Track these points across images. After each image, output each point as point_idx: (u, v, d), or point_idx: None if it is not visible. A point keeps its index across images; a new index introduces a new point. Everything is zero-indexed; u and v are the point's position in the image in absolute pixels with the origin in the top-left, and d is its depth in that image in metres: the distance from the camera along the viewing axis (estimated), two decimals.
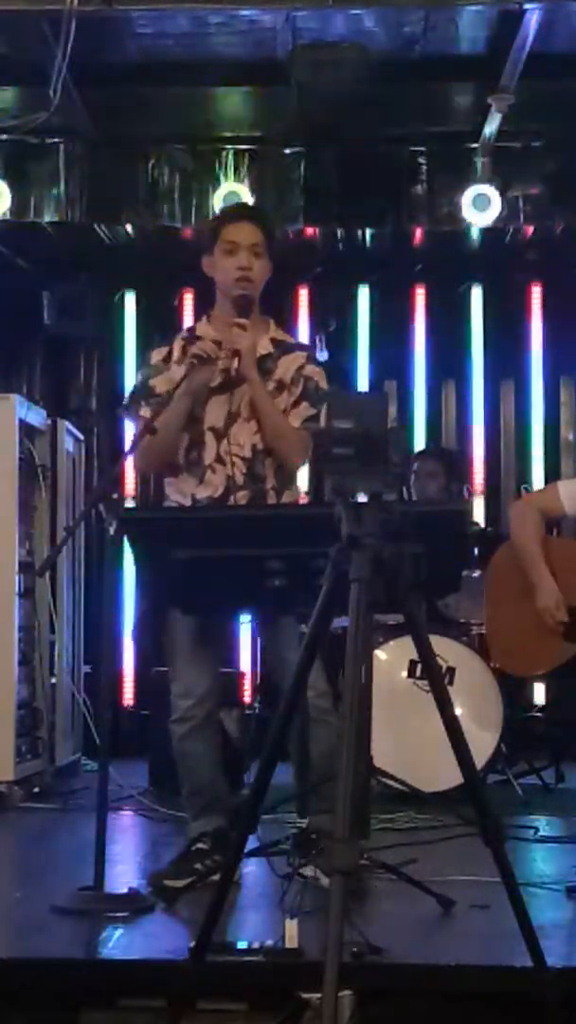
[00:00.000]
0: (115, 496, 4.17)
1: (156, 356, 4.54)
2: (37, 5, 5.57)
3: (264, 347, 4.44)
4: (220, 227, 4.45)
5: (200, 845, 4.30)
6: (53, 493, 6.58)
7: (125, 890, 4.07)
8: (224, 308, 4.45)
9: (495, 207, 7.16)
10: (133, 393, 4.55)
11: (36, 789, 6.18)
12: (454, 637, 6.12)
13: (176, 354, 4.48)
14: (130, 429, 8.17)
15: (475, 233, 7.72)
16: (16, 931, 3.83)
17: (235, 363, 4.31)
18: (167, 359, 4.50)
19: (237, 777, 5.46)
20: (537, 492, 5.72)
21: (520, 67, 6.09)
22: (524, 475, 8.25)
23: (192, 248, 7.77)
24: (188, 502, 4.39)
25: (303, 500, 4.80)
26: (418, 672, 5.88)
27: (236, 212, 4.71)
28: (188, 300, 8.31)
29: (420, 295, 8.39)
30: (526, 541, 5.30)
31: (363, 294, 8.38)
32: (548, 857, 4.89)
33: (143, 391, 4.49)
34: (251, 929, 3.68)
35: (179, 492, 4.44)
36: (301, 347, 4.68)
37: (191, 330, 4.55)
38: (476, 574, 6.07)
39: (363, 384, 8.26)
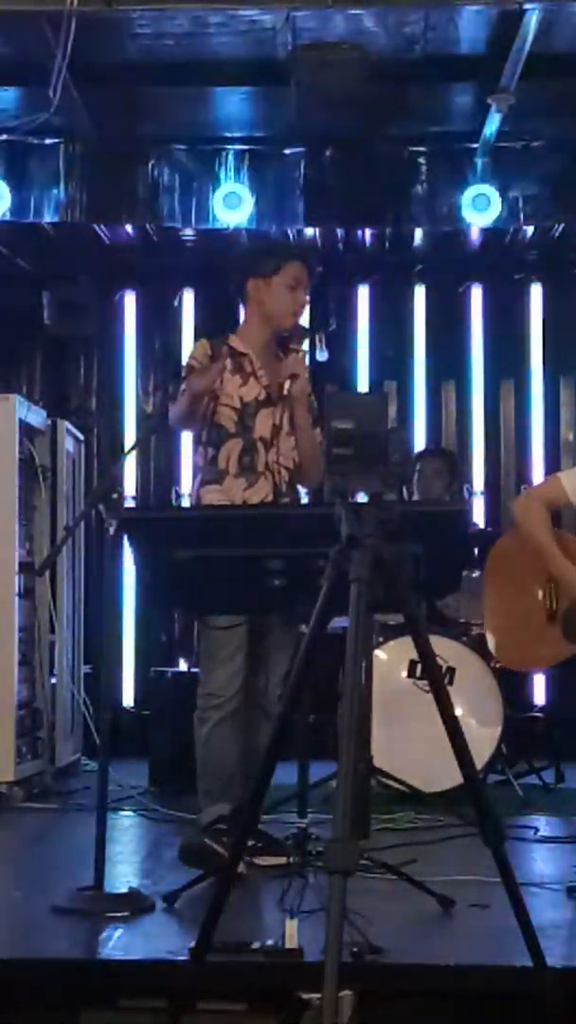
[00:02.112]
0: (115, 496, 4.17)
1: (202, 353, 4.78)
2: (37, 5, 5.57)
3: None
4: (287, 262, 4.75)
5: (220, 826, 4.41)
6: (53, 493, 6.58)
7: (125, 890, 4.07)
8: (259, 331, 4.78)
9: (495, 207, 7.16)
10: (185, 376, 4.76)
11: (36, 789, 6.18)
12: (454, 637, 6.12)
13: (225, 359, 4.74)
14: (131, 424, 8.32)
15: (475, 233, 7.72)
16: (16, 931, 3.83)
17: (288, 384, 4.68)
18: (213, 359, 4.74)
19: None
20: (539, 486, 5.70)
21: (520, 67, 6.08)
22: (524, 475, 8.25)
23: (192, 249, 7.85)
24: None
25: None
26: (418, 672, 5.88)
27: (303, 253, 4.99)
28: (188, 300, 8.32)
29: (420, 295, 8.39)
30: (539, 535, 5.23)
31: (363, 294, 8.39)
32: (548, 857, 4.89)
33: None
34: (251, 929, 3.68)
35: (226, 498, 4.64)
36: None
37: (225, 340, 4.78)
38: (476, 574, 6.07)
39: (363, 384, 8.26)
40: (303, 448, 4.74)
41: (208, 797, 4.59)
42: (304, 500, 4.88)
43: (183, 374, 4.69)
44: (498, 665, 5.91)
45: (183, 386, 4.69)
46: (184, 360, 4.85)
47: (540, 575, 5.39)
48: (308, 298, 4.82)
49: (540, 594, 5.43)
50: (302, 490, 4.88)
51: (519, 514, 5.36)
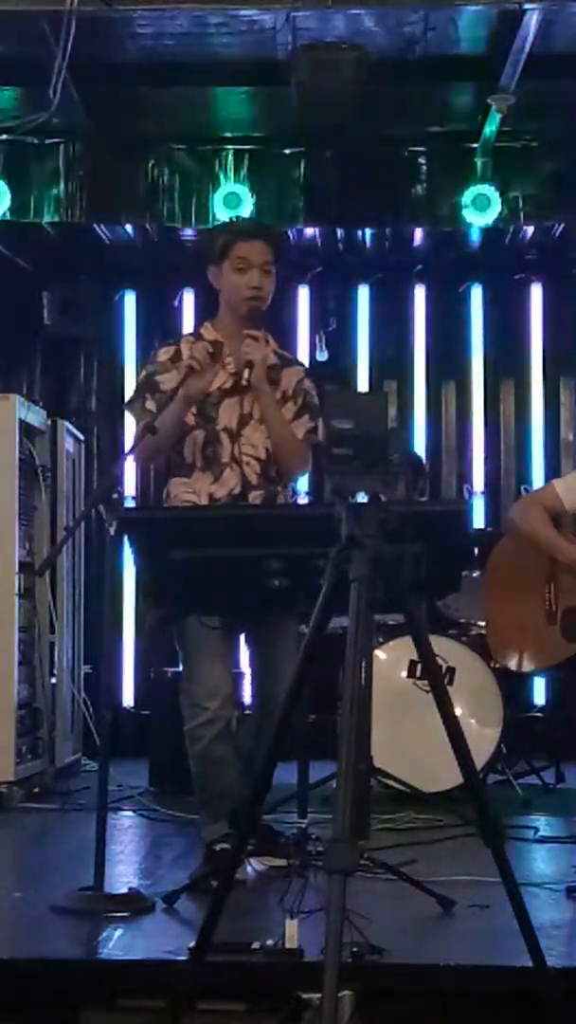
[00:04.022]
0: (115, 496, 4.16)
1: (164, 355, 4.61)
2: (37, 5, 5.57)
3: (271, 358, 4.57)
4: (232, 243, 4.50)
5: (224, 845, 4.25)
6: (53, 493, 6.58)
7: (125, 890, 4.07)
8: (228, 319, 4.58)
9: (495, 207, 7.16)
10: (138, 388, 4.60)
11: (36, 789, 6.18)
12: (454, 637, 6.13)
13: (185, 354, 4.53)
14: (131, 423, 8.29)
15: (475, 233, 7.72)
16: (16, 931, 3.83)
17: (246, 373, 4.44)
18: (175, 359, 4.56)
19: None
20: (535, 493, 5.69)
21: (520, 67, 6.09)
22: (524, 475, 8.25)
23: (192, 249, 7.85)
24: (204, 501, 4.46)
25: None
26: (418, 672, 5.88)
27: (249, 230, 4.67)
28: (188, 300, 8.32)
29: (420, 295, 8.40)
30: (540, 531, 5.22)
31: (363, 294, 8.39)
32: (548, 857, 4.89)
33: (148, 386, 4.55)
34: (251, 929, 3.68)
35: (193, 492, 4.50)
36: (297, 362, 4.79)
37: (196, 334, 4.63)
38: (476, 574, 6.07)
39: (363, 384, 8.26)
40: (273, 437, 4.49)
41: (209, 812, 4.46)
42: (280, 489, 4.60)
43: (177, 380, 4.40)
44: (498, 665, 5.90)
45: (150, 410, 4.44)
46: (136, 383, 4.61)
47: (539, 577, 5.40)
48: (265, 277, 4.48)
49: (539, 596, 5.44)
50: (300, 484, 4.76)
51: (516, 517, 5.37)
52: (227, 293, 4.54)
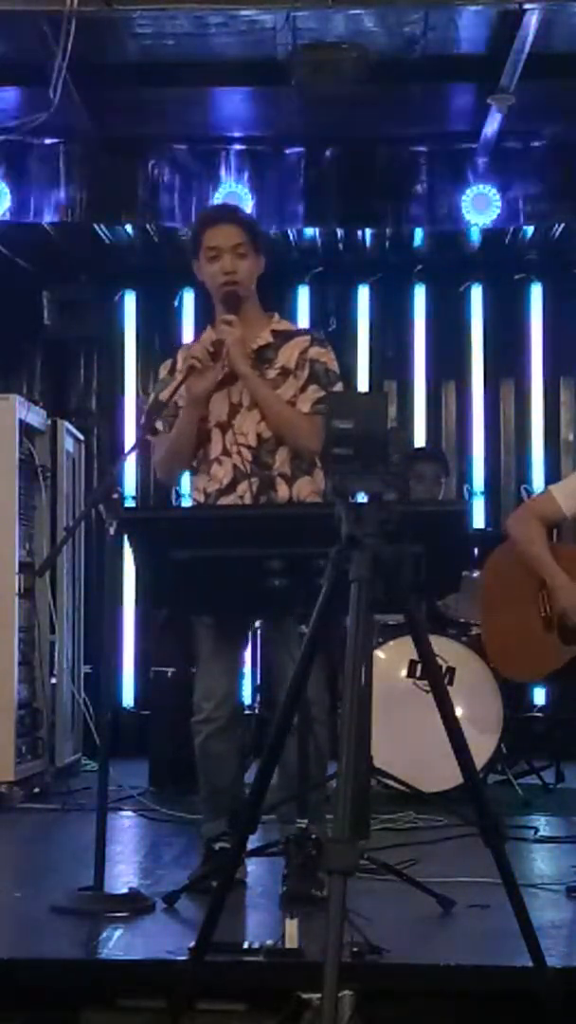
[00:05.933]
0: (115, 496, 4.16)
1: (163, 371, 4.59)
2: (37, 5, 5.57)
3: (263, 338, 4.46)
4: (201, 233, 4.46)
5: (223, 844, 4.23)
6: (53, 493, 6.59)
7: (125, 890, 4.07)
8: (218, 311, 4.49)
9: (495, 207, 7.17)
10: (149, 412, 4.56)
11: (36, 789, 6.18)
12: (454, 637, 6.13)
13: (179, 364, 4.50)
14: (131, 424, 8.30)
15: (475, 233, 7.72)
16: (16, 931, 3.83)
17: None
18: (172, 371, 4.53)
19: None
20: (532, 500, 5.67)
21: (520, 67, 6.09)
22: (524, 475, 8.26)
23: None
24: (203, 498, 4.42)
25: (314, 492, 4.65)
26: (418, 672, 5.88)
27: (214, 216, 4.61)
28: (188, 300, 8.32)
29: (420, 295, 8.40)
30: (534, 549, 5.21)
31: (363, 294, 8.40)
32: (548, 857, 4.89)
33: (156, 407, 4.50)
34: (251, 929, 3.68)
35: (196, 489, 4.47)
36: (303, 332, 4.62)
37: (196, 340, 4.57)
38: (476, 574, 6.06)
39: (363, 384, 8.26)
40: (269, 420, 4.33)
41: (208, 808, 4.43)
42: (278, 475, 4.36)
43: (175, 385, 4.37)
44: (495, 666, 5.90)
45: (160, 430, 4.41)
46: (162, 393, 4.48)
47: (534, 584, 5.38)
48: (239, 260, 4.37)
49: (535, 603, 5.41)
50: (278, 463, 4.38)
51: (514, 531, 5.33)
52: (208, 284, 4.49)
